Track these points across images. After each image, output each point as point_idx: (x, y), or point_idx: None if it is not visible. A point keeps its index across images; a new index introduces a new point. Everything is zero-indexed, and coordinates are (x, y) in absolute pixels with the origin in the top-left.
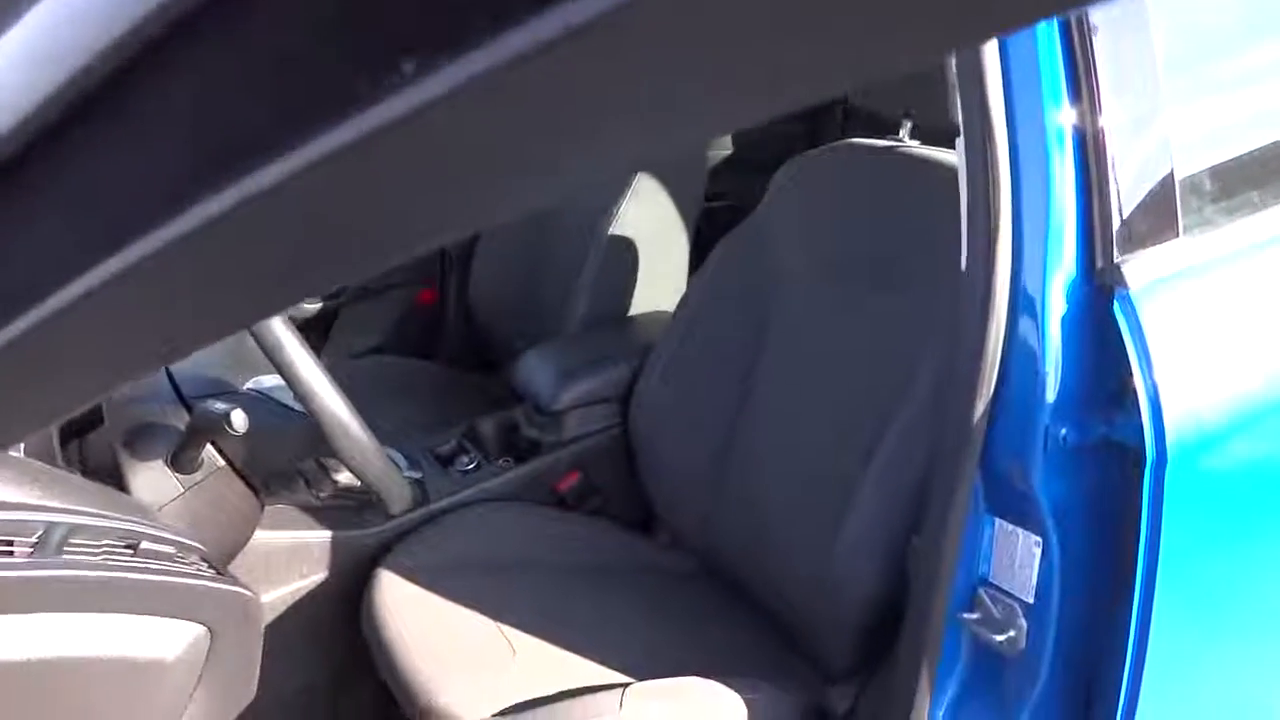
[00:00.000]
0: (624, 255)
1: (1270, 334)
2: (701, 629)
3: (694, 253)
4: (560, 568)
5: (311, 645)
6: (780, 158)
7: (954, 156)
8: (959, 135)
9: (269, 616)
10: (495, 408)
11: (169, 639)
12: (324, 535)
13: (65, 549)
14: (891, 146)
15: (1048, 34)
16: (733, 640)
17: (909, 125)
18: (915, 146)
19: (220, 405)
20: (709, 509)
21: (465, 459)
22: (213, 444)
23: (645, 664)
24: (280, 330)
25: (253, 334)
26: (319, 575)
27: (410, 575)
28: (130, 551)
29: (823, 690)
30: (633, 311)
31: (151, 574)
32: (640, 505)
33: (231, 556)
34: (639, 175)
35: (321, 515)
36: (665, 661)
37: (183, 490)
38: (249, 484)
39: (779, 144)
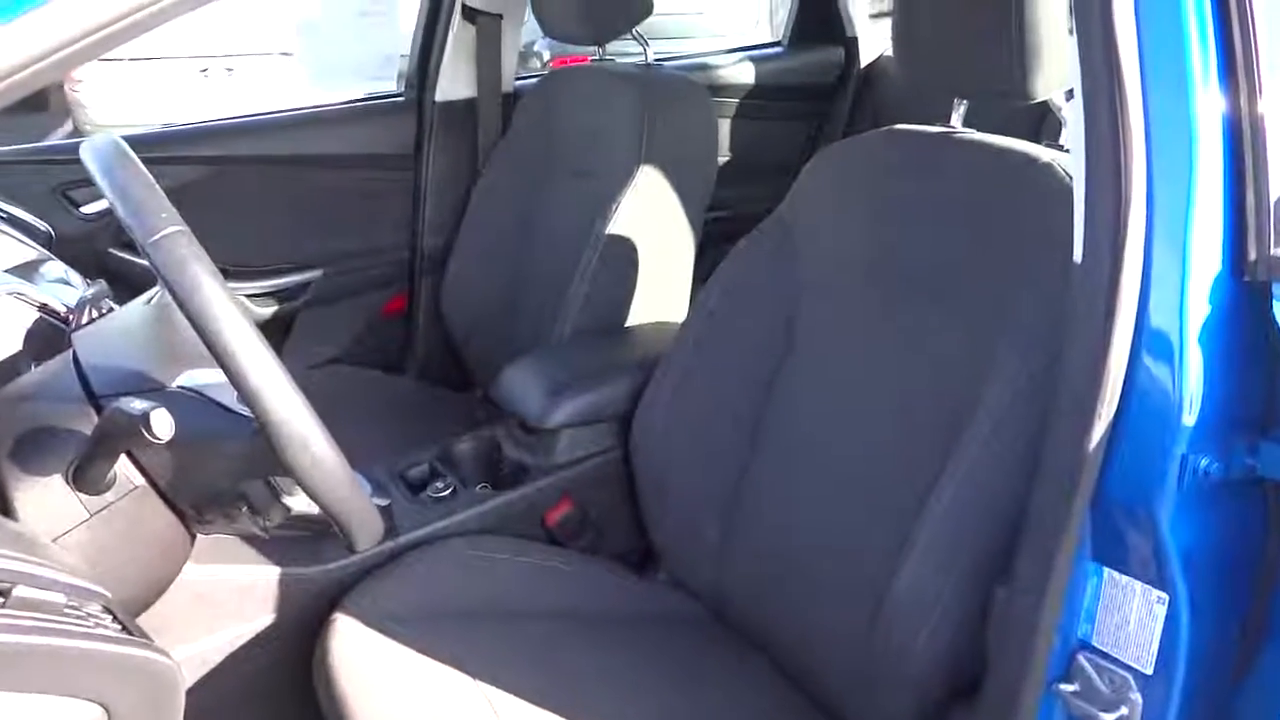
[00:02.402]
0: (623, 257)
1: None
2: (713, 690)
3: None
4: (549, 615)
5: (254, 703)
6: (782, 162)
7: (1022, 145)
8: (1066, 108)
9: (203, 669)
10: (473, 427)
11: None
12: (271, 571)
13: None
14: (946, 132)
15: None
16: (751, 705)
17: (963, 109)
18: (973, 133)
19: (139, 405)
20: (721, 544)
21: (439, 484)
22: (128, 455)
23: None
24: (223, 309)
25: (188, 314)
26: (264, 620)
27: (373, 622)
28: None
29: None
30: (631, 321)
31: (22, 634)
32: (639, 540)
33: (148, 603)
34: (641, 167)
35: (268, 547)
36: None
37: (87, 515)
38: (175, 509)
39: (780, 147)
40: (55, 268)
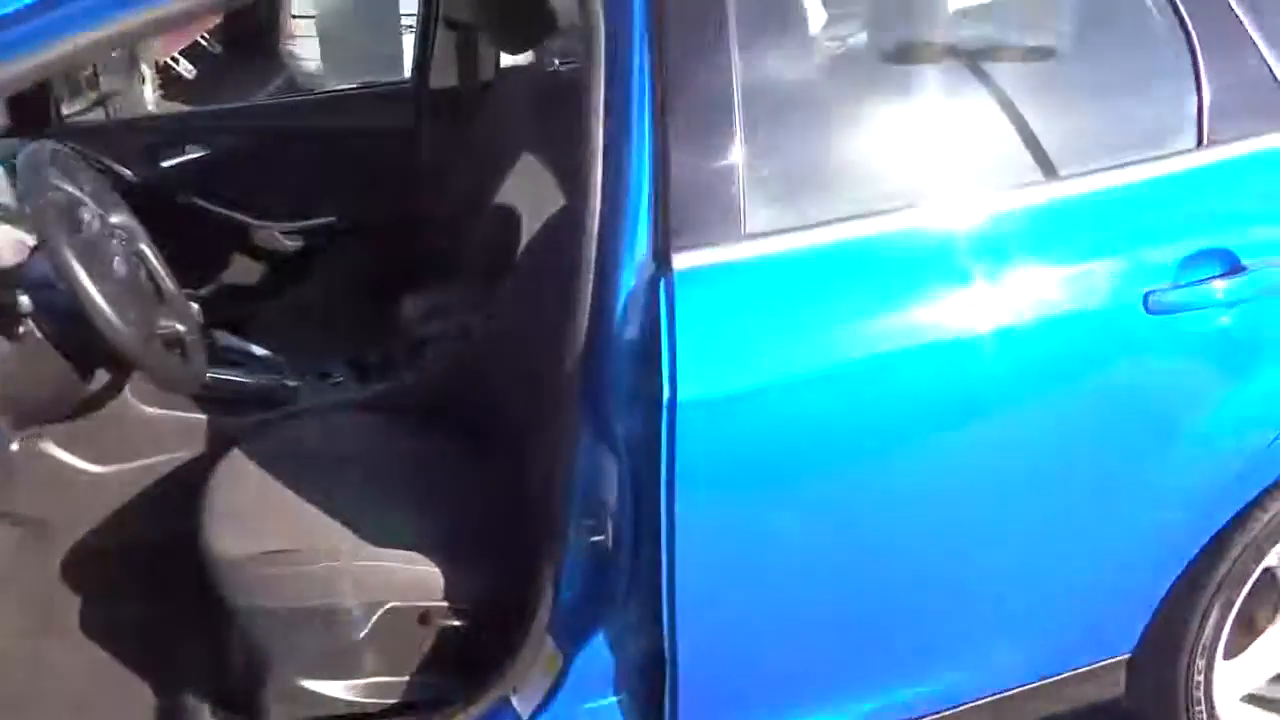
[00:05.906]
0: (508, 212)
1: (788, 327)
2: (457, 511)
3: None
4: (376, 462)
5: (169, 509)
6: None
7: None
8: None
9: (138, 486)
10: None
11: None
12: (197, 418)
13: None
14: None
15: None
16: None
17: None
18: None
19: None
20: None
21: (335, 377)
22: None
23: (392, 539)
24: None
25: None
26: (191, 450)
27: (250, 456)
28: None
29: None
30: None
31: None
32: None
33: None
34: (523, 154)
35: (203, 405)
36: (407, 538)
37: None
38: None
39: None
40: None
